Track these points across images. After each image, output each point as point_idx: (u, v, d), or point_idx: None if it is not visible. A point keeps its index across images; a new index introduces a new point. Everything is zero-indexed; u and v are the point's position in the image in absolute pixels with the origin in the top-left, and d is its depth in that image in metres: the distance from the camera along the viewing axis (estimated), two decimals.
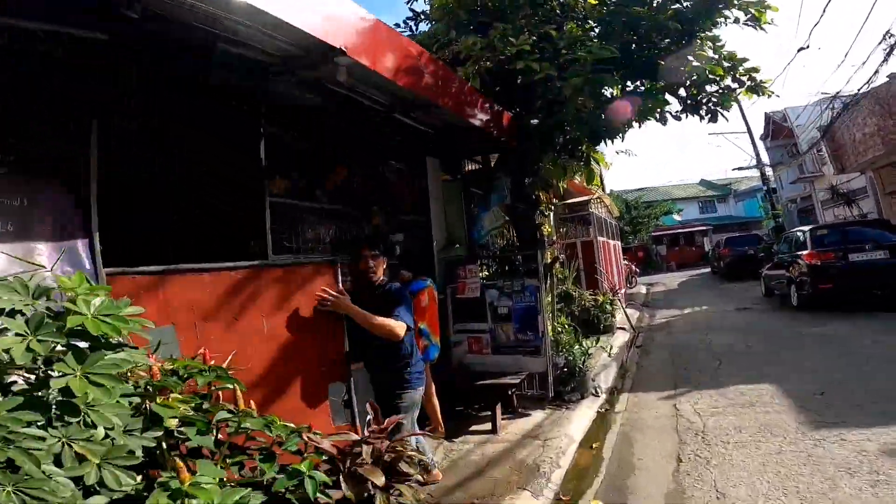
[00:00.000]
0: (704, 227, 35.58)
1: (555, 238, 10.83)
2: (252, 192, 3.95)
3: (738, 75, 6.13)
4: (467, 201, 6.52)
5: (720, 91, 6.19)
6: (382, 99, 4.74)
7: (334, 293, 3.01)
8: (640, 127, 6.61)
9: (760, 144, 25.27)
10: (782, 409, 4.93)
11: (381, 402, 3.02)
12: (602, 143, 6.64)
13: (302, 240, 4.33)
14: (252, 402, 2.12)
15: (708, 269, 25.63)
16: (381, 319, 3.11)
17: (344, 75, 3.80)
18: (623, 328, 10.67)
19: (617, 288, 12.04)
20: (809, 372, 6.03)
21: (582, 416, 5.27)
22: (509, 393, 4.96)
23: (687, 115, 6.44)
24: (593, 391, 5.96)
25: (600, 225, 13.03)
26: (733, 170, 25.91)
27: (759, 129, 26.65)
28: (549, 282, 6.22)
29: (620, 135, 6.35)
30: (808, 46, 14.98)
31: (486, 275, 6.15)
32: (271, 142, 4.10)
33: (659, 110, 6.05)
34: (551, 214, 11.18)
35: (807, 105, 19.68)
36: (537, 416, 5.21)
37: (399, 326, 3.14)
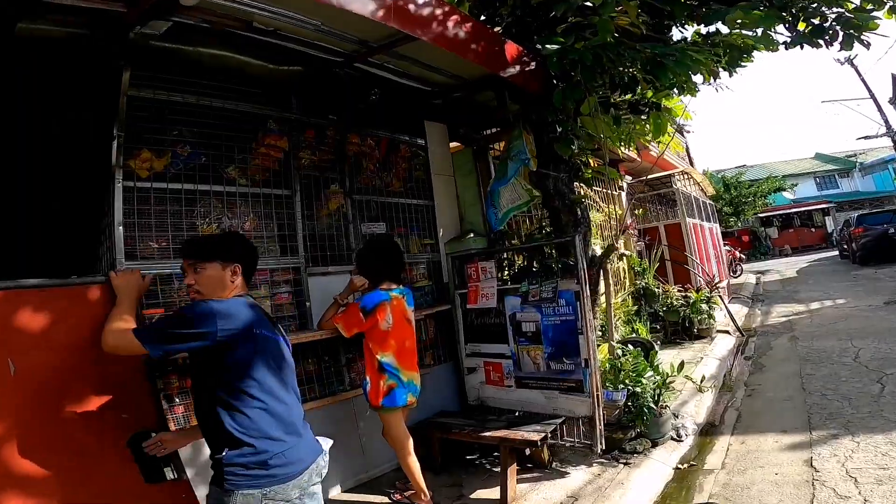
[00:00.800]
0: (825, 205, 30.55)
1: (628, 221, 8.79)
2: (94, 176, 2.69)
3: None
4: (486, 176, 4.87)
5: (846, 13, 4.06)
6: (328, 43, 3.25)
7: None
8: (732, 73, 4.60)
9: (889, 109, 20.82)
10: None
11: None
12: (671, 87, 4.66)
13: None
14: None
15: (834, 253, 21.79)
16: (111, 318, 1.95)
17: None
18: (726, 331, 8.36)
19: (716, 280, 9.65)
20: None
21: (648, 480, 3.44)
22: (526, 453, 3.27)
23: (803, 46, 4.34)
24: (673, 434, 4.07)
25: (690, 204, 10.65)
26: (858, 139, 21.57)
27: (884, 92, 22.17)
28: (601, 283, 4.38)
29: (703, 73, 4.36)
30: None
31: (511, 275, 4.47)
32: (143, 108, 2.87)
33: (767, 31, 4.08)
34: (622, 193, 9.18)
35: None
36: (577, 477, 3.46)
37: (115, 334, 1.86)
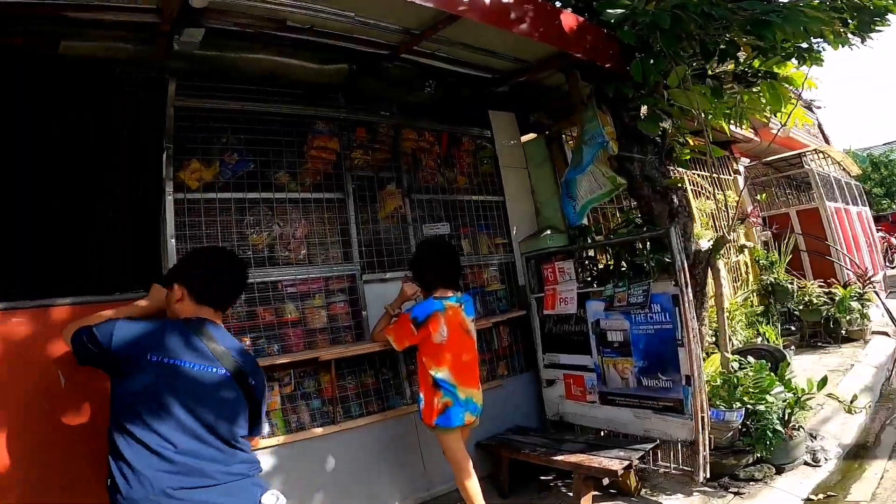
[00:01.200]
0: None
1: (748, 209, 7.65)
2: (143, 189, 2.73)
3: None
4: (563, 166, 4.39)
5: None
6: (369, 35, 3.05)
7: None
8: (864, 39, 3.70)
9: None
10: None
11: None
12: (787, 57, 3.83)
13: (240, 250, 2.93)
14: None
15: None
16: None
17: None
18: (884, 333, 6.92)
19: (869, 274, 8.07)
20: None
21: None
22: (604, 482, 2.76)
23: None
24: (807, 457, 3.29)
25: (829, 186, 9.08)
26: None
27: None
28: (708, 283, 3.69)
29: (826, 35, 3.53)
30: None
31: (593, 275, 3.95)
32: (188, 118, 2.89)
33: None
34: (738, 177, 8.04)
35: None
36: None
37: (74, 325, 1.78)
